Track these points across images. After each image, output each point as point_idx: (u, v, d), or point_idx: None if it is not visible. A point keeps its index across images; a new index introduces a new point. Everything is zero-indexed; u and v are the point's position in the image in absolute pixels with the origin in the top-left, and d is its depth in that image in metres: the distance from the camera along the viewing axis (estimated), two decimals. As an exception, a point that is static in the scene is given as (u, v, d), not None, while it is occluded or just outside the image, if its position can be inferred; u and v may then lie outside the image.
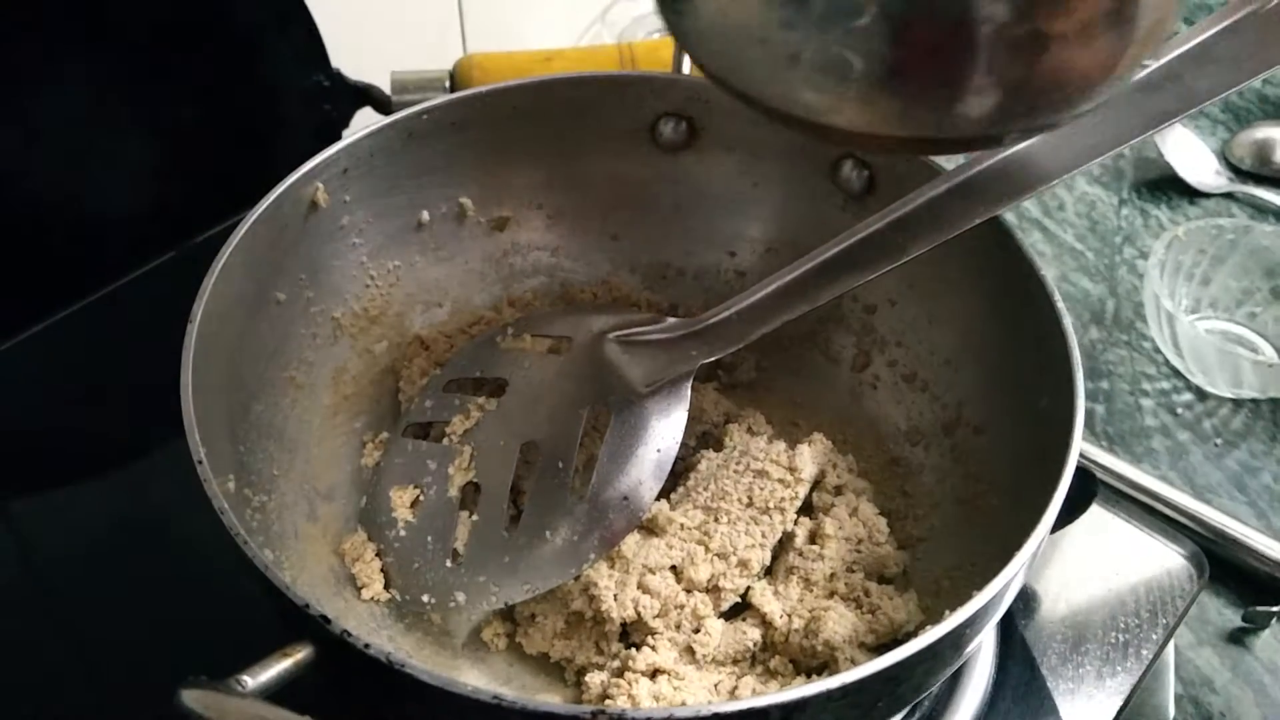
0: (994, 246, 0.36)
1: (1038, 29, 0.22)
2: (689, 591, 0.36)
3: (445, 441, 0.39)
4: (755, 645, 0.35)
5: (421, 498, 0.38)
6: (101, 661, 0.40)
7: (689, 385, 0.37)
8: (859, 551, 0.37)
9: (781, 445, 0.39)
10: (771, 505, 0.37)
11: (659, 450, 0.35)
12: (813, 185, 0.42)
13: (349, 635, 0.25)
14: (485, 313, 0.44)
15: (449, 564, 0.36)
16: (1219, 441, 0.49)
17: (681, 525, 0.37)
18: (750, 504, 0.37)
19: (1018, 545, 0.28)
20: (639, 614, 0.34)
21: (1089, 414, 0.50)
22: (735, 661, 0.35)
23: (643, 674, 0.33)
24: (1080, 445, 0.30)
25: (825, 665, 0.34)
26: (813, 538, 0.37)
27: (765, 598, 0.36)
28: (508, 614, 0.36)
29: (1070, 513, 0.40)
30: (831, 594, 0.36)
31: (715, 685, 0.34)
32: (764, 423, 0.41)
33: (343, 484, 0.39)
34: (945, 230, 0.33)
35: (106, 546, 0.42)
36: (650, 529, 0.37)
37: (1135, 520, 0.42)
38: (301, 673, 0.26)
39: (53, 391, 0.48)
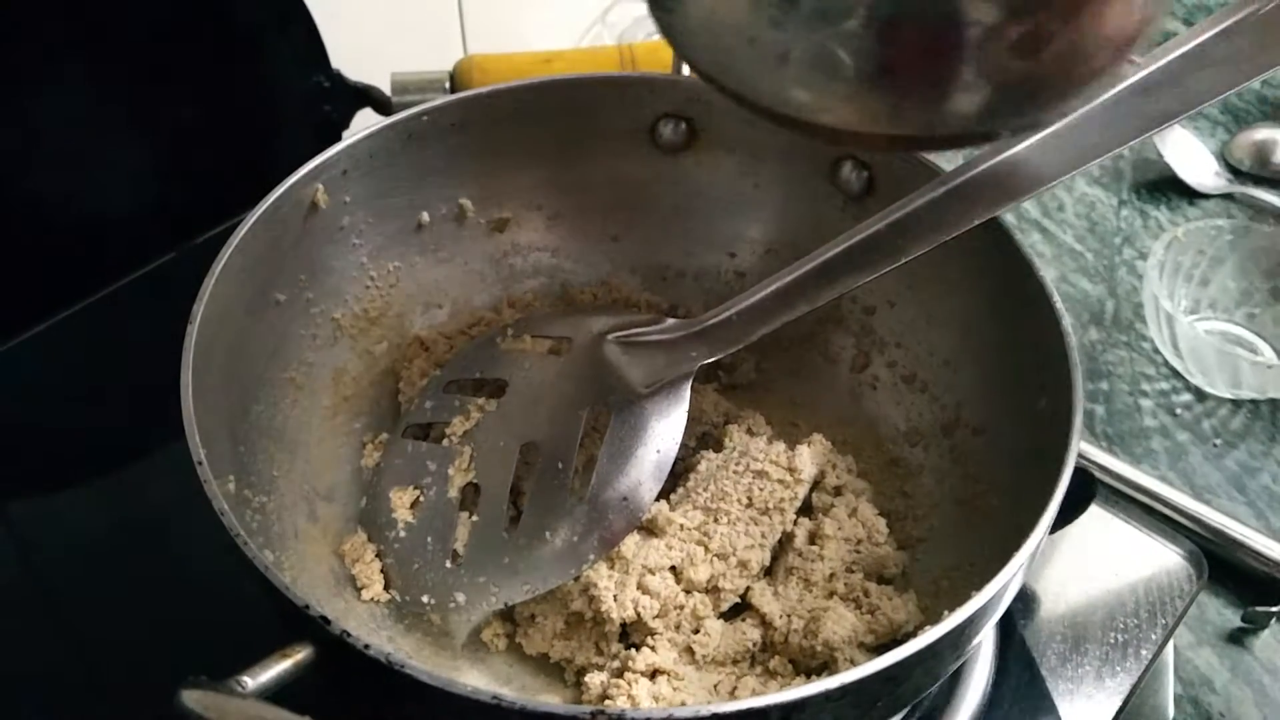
0: (993, 247, 0.36)
1: (1025, 27, 0.23)
2: (688, 592, 0.36)
3: (445, 442, 0.39)
4: (755, 646, 0.35)
5: (421, 498, 0.38)
6: (101, 662, 0.40)
7: (689, 386, 0.37)
8: (858, 552, 0.37)
9: (781, 446, 0.39)
10: (771, 506, 0.37)
11: (659, 451, 0.35)
12: (812, 186, 0.42)
13: (348, 636, 0.25)
14: (485, 314, 0.44)
15: (449, 565, 0.36)
16: (1218, 442, 0.49)
17: (681, 526, 0.37)
18: (750, 504, 0.37)
19: (1016, 546, 0.28)
20: (639, 614, 0.34)
21: (1089, 414, 0.50)
22: (735, 662, 0.35)
23: (642, 674, 0.33)
24: (1079, 446, 0.30)
25: (825, 666, 0.34)
26: (812, 538, 0.37)
27: (765, 598, 0.36)
28: (507, 614, 0.36)
29: (1069, 513, 0.40)
30: (831, 594, 0.36)
31: (715, 686, 0.34)
32: (764, 423, 0.41)
33: (342, 485, 0.39)
34: (945, 231, 0.33)
35: (106, 547, 0.42)
36: (650, 529, 0.37)
37: (1134, 520, 0.42)
38: (301, 673, 0.26)
39: (53, 392, 0.48)
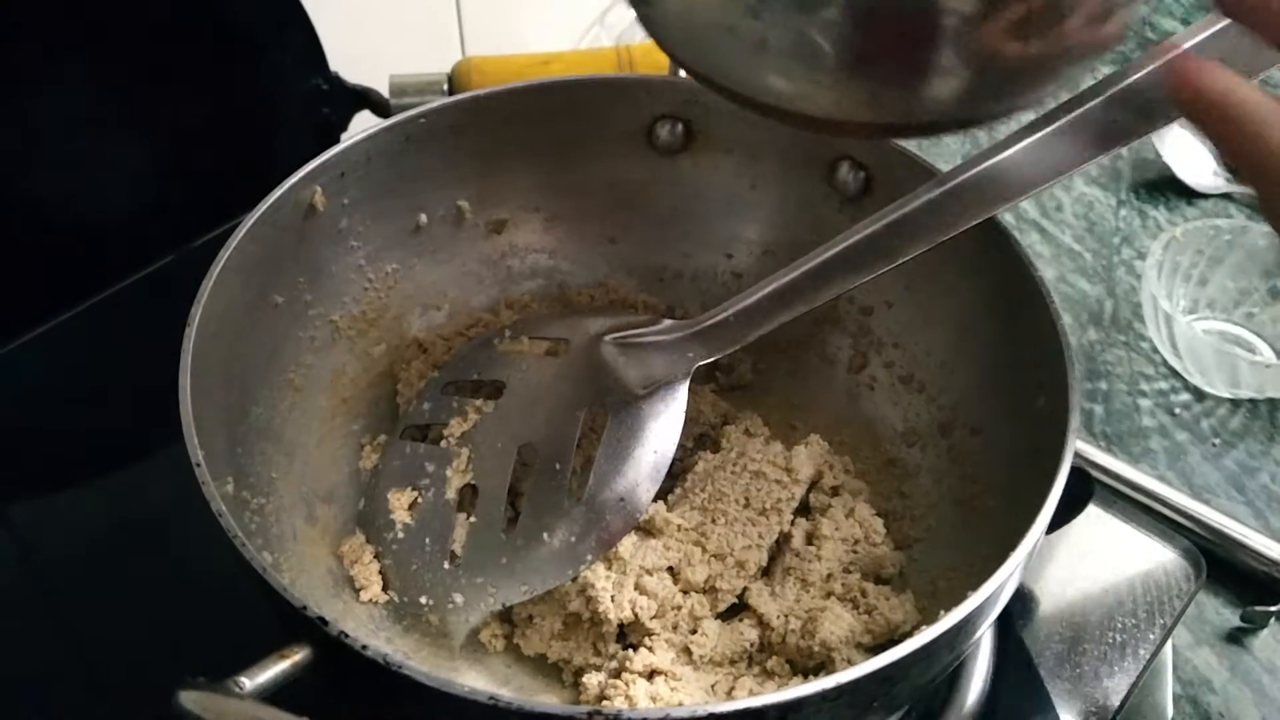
0: (990, 248, 0.36)
1: (1000, 12, 0.23)
2: (686, 592, 0.36)
3: (443, 444, 0.39)
4: (752, 646, 0.35)
5: (419, 500, 0.38)
6: (101, 662, 0.40)
7: (686, 387, 0.37)
8: (856, 552, 0.37)
9: (778, 446, 0.39)
10: (768, 506, 0.37)
11: (656, 452, 0.36)
12: (809, 187, 0.42)
13: (346, 636, 0.25)
14: (483, 315, 0.44)
15: (447, 566, 0.36)
16: (1217, 441, 0.49)
17: (679, 526, 0.37)
18: (747, 505, 0.37)
19: (1013, 546, 0.28)
20: (636, 615, 0.35)
21: (1087, 414, 0.50)
22: (732, 662, 0.35)
23: (640, 675, 0.33)
24: (1075, 446, 0.30)
25: (822, 666, 0.34)
26: (809, 538, 0.37)
27: (762, 598, 0.36)
28: (505, 615, 0.36)
29: (1067, 513, 0.40)
30: (828, 594, 0.36)
31: (712, 686, 0.34)
32: (761, 424, 0.42)
33: (341, 486, 0.39)
34: (942, 232, 0.33)
35: (106, 547, 0.42)
36: (647, 530, 0.37)
37: (1133, 520, 0.42)
38: (299, 674, 0.26)
39: (54, 393, 0.49)
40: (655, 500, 0.37)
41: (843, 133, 0.28)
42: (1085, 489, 0.42)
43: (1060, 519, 0.32)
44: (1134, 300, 0.55)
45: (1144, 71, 0.31)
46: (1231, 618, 0.43)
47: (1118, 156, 0.64)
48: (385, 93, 0.56)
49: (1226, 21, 0.30)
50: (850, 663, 0.33)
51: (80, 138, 0.49)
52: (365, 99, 0.56)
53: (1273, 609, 0.42)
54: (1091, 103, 0.31)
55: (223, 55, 0.52)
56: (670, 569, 0.36)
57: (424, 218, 0.42)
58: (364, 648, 0.25)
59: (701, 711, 0.24)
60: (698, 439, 0.41)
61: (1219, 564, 0.43)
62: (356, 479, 0.40)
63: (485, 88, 0.42)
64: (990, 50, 0.24)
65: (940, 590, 0.35)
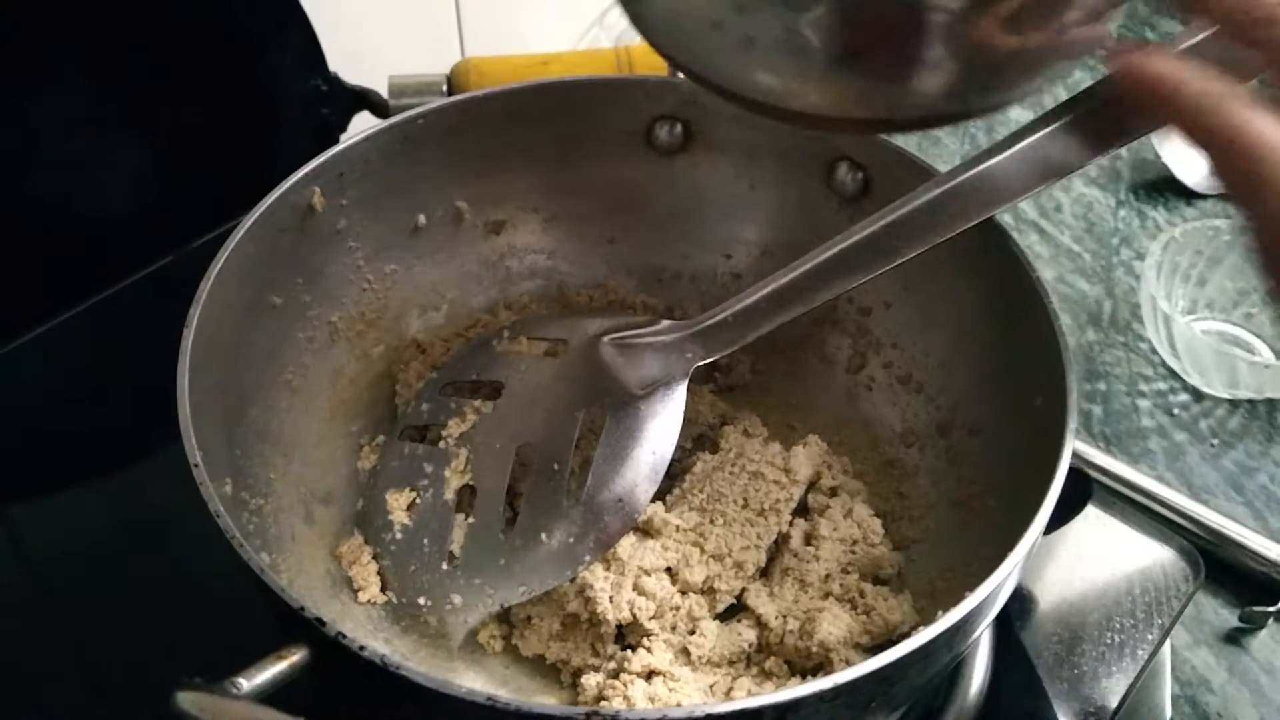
0: (989, 248, 0.36)
1: (985, 8, 0.23)
2: (684, 593, 0.36)
3: (441, 444, 0.39)
4: (750, 646, 0.35)
5: (417, 500, 0.38)
6: (101, 662, 0.40)
7: (684, 387, 0.37)
8: (854, 553, 0.37)
9: (777, 447, 0.39)
10: (767, 507, 0.37)
11: (654, 452, 0.36)
12: (808, 188, 0.42)
13: (344, 637, 0.25)
14: (482, 316, 0.44)
15: (445, 566, 0.36)
16: (1215, 442, 0.49)
17: (677, 527, 0.37)
18: (746, 506, 0.37)
19: (1011, 546, 0.28)
20: (634, 616, 0.35)
21: (1086, 415, 0.50)
22: (730, 663, 0.35)
23: (638, 675, 0.33)
24: (1073, 446, 0.30)
25: (820, 666, 0.34)
26: (808, 539, 0.38)
27: (760, 599, 0.36)
28: (504, 616, 0.36)
29: (1065, 514, 0.40)
30: (826, 595, 0.36)
31: (710, 686, 0.34)
32: (759, 425, 0.42)
33: (339, 487, 0.39)
34: (940, 232, 0.33)
35: (106, 548, 0.43)
36: (646, 531, 0.37)
37: (1132, 521, 0.42)
38: (297, 675, 0.26)
39: (54, 394, 0.49)
40: (654, 501, 0.37)
41: (833, 129, 0.29)
42: (1084, 489, 0.42)
43: (1059, 519, 0.32)
44: (1133, 301, 0.55)
45: None
46: (1230, 618, 0.43)
47: (1116, 157, 0.64)
48: (384, 93, 0.56)
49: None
50: (848, 663, 0.33)
51: (80, 138, 0.49)
52: (364, 100, 0.56)
53: (1271, 609, 0.42)
54: (1090, 102, 0.31)
55: (222, 56, 0.52)
56: (669, 569, 0.36)
57: (423, 218, 0.42)
58: (362, 648, 0.25)
59: (699, 712, 0.24)
60: (696, 439, 0.41)
61: (1217, 564, 0.43)
62: (355, 480, 0.40)
63: (484, 88, 0.42)
64: (976, 45, 0.24)
65: (938, 591, 0.36)
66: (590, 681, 0.34)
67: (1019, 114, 0.66)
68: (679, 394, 0.36)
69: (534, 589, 0.35)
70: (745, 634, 0.35)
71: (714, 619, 0.36)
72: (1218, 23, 0.27)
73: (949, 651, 0.29)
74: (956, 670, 0.37)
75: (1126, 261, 0.58)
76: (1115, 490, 0.45)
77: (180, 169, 0.53)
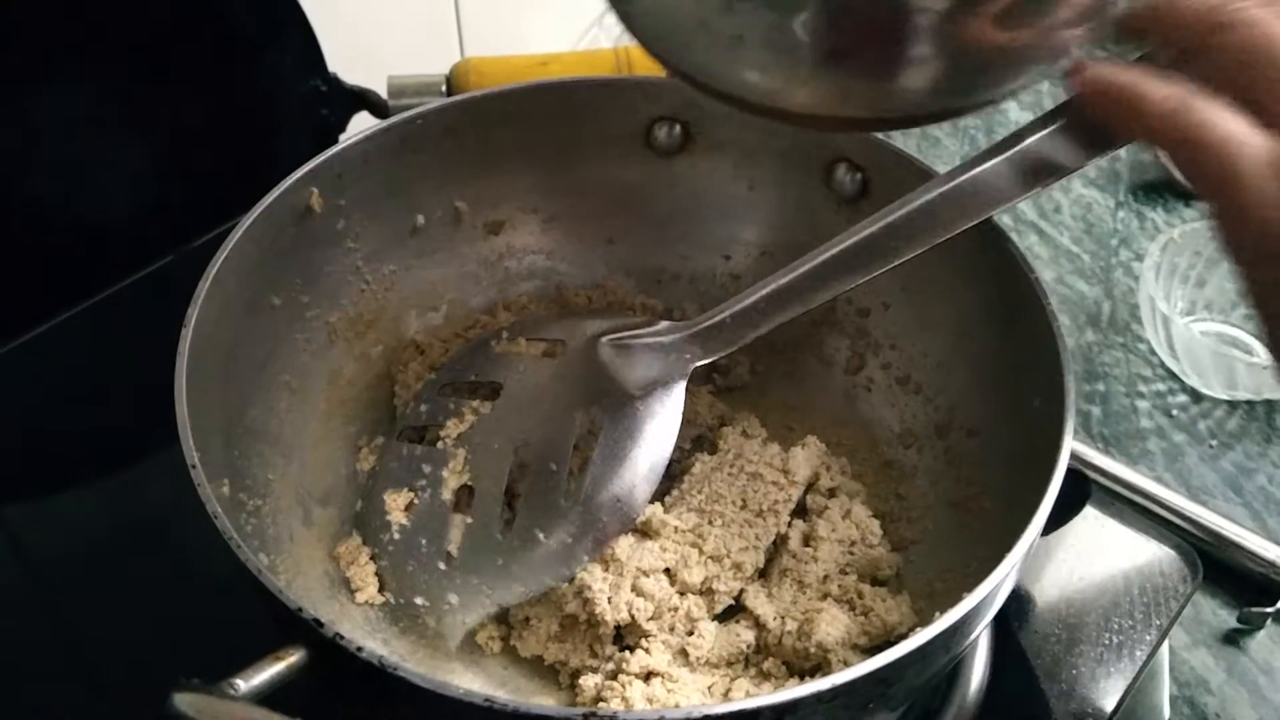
0: (987, 249, 0.36)
1: (969, 8, 0.23)
2: (683, 594, 0.36)
3: (439, 445, 0.39)
4: (749, 647, 0.35)
5: (415, 501, 0.38)
6: (101, 662, 0.40)
7: (683, 388, 0.37)
8: (852, 554, 0.37)
9: (775, 448, 0.39)
10: (765, 508, 0.37)
11: (652, 453, 0.36)
12: (807, 189, 0.42)
13: (341, 639, 0.25)
14: (480, 316, 0.44)
15: (442, 567, 0.36)
16: (1214, 443, 0.49)
17: (675, 528, 0.37)
18: (744, 507, 0.37)
19: (1009, 547, 0.28)
20: (633, 617, 0.35)
21: (1085, 416, 0.50)
22: (729, 664, 0.35)
23: (636, 676, 0.33)
24: (1070, 448, 0.30)
25: (818, 667, 0.34)
26: (806, 540, 0.38)
27: (759, 600, 0.36)
28: (502, 617, 0.36)
29: (1064, 515, 0.40)
30: (825, 596, 0.36)
31: (709, 687, 0.34)
32: (758, 426, 0.42)
33: (337, 488, 0.39)
34: (940, 233, 0.33)
35: (105, 548, 0.43)
36: (644, 532, 0.37)
37: (1130, 522, 0.42)
38: (294, 676, 0.26)
39: (53, 393, 0.49)
40: (652, 502, 0.37)
41: (824, 127, 0.29)
42: (1082, 490, 0.42)
43: (1057, 520, 0.32)
44: (1131, 302, 0.55)
45: None
46: (1228, 619, 0.43)
47: (1115, 158, 0.64)
48: (383, 94, 0.56)
49: None
50: (846, 664, 0.33)
51: (80, 138, 0.49)
52: (363, 100, 0.56)
53: (1269, 610, 0.42)
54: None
55: (221, 56, 0.52)
56: (667, 571, 0.36)
57: (421, 219, 0.42)
58: (359, 650, 0.25)
59: (697, 713, 0.24)
60: (695, 440, 0.41)
61: (1216, 565, 0.43)
62: (353, 481, 0.40)
63: (483, 89, 0.42)
64: (960, 45, 0.24)
65: (937, 592, 0.36)
66: (588, 683, 0.34)
67: (1018, 115, 0.66)
68: (677, 394, 0.37)
69: (531, 589, 0.35)
70: (743, 635, 0.35)
71: (712, 620, 0.36)
72: (1166, 43, 0.27)
73: (947, 652, 0.29)
74: (955, 671, 0.37)
75: (1125, 263, 0.58)
76: (1114, 491, 0.45)
77: (180, 169, 0.53)
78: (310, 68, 0.54)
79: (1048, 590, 0.40)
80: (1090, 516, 0.42)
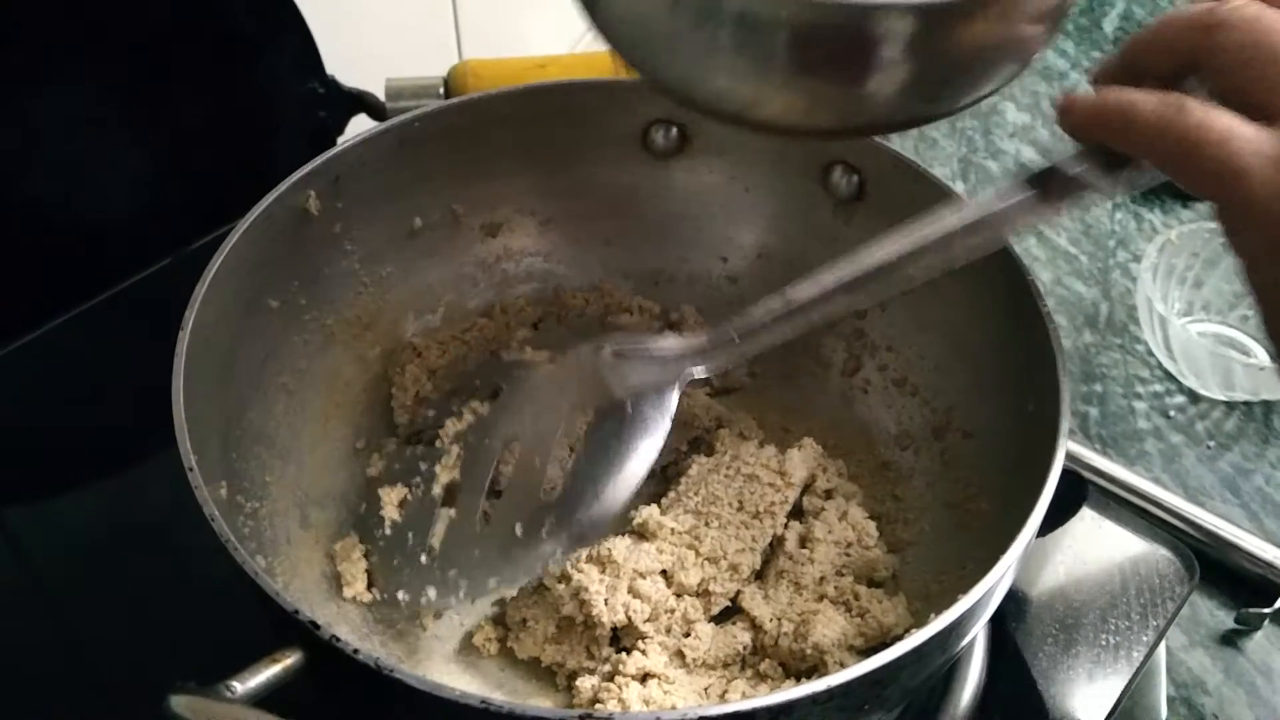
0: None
1: (927, 37, 0.23)
2: (679, 596, 0.36)
3: (438, 443, 0.39)
4: (745, 649, 0.35)
5: (409, 497, 0.38)
6: (100, 663, 0.40)
7: (676, 393, 0.36)
8: (848, 555, 0.37)
9: (772, 450, 0.39)
10: (762, 509, 0.37)
11: (636, 454, 0.35)
12: (803, 191, 0.42)
13: (337, 640, 0.25)
14: (478, 318, 0.44)
15: (424, 560, 0.36)
16: (1211, 444, 0.49)
17: (672, 530, 0.37)
18: (741, 508, 0.37)
19: (1004, 549, 0.28)
20: (629, 618, 0.35)
21: (1082, 417, 0.50)
22: (725, 665, 0.35)
23: (633, 678, 0.33)
24: (1065, 449, 0.30)
25: (815, 668, 0.34)
26: (803, 542, 0.38)
27: (755, 602, 0.36)
28: (499, 619, 0.36)
29: (1060, 516, 0.40)
30: (821, 598, 0.36)
31: (705, 689, 0.34)
32: (755, 427, 0.42)
33: (335, 490, 0.39)
34: (955, 262, 0.31)
35: (105, 549, 0.43)
36: (641, 534, 0.37)
37: (1127, 522, 0.42)
38: (291, 678, 0.26)
39: (54, 394, 0.49)
40: (649, 504, 0.37)
41: (796, 136, 0.29)
42: (1079, 492, 0.42)
43: (1054, 522, 0.32)
44: (1129, 303, 0.55)
45: None
46: (1226, 620, 0.43)
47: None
48: (381, 96, 0.56)
49: None
50: (842, 665, 0.33)
51: (80, 138, 0.49)
52: (361, 102, 0.56)
53: (1266, 611, 0.42)
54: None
55: (221, 57, 0.52)
56: (664, 572, 0.36)
57: (419, 221, 0.42)
58: (355, 652, 0.25)
59: (693, 714, 0.24)
60: (692, 442, 0.42)
61: (1213, 566, 0.43)
62: (351, 483, 0.40)
63: (481, 91, 0.42)
64: (928, 57, 0.24)
65: (933, 593, 0.36)
66: (585, 684, 0.34)
67: (1016, 115, 0.66)
68: (669, 399, 0.36)
69: (505, 581, 0.35)
70: (740, 636, 0.35)
71: (709, 621, 0.36)
72: (1170, 54, 0.27)
73: (943, 654, 0.29)
74: (951, 672, 0.37)
75: (1123, 264, 0.58)
76: (1111, 492, 0.45)
77: (179, 170, 0.53)
78: (308, 70, 0.54)
79: (1044, 591, 0.40)
80: (1087, 517, 0.42)
